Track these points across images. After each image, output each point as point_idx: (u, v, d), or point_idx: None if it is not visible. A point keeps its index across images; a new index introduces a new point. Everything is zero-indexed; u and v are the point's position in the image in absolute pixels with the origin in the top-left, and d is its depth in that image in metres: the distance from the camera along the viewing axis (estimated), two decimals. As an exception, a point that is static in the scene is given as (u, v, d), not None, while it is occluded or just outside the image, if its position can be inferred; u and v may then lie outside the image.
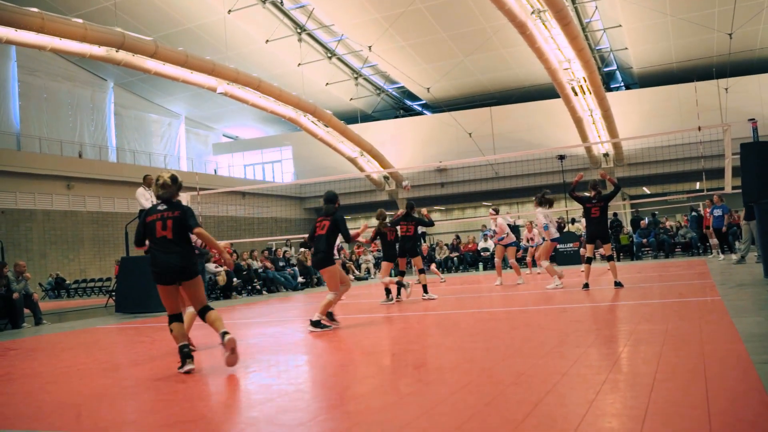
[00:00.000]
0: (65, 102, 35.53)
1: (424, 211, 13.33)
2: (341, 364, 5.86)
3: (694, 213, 24.67)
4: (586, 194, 11.46)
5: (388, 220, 12.49)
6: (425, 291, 12.03)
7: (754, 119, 12.02)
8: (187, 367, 5.69)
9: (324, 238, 8.20)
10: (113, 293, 17.31)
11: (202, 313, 5.95)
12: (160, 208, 5.97)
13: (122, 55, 23.92)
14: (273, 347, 7.48)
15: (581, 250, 21.59)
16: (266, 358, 6.62)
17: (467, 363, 5.36)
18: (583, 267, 11.79)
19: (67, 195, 30.38)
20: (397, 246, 12.19)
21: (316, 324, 8.24)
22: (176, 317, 5.93)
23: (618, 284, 10.98)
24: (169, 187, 6.07)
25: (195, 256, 6.04)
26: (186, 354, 5.75)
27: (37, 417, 4.45)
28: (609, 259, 11.33)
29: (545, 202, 13.07)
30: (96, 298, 25.20)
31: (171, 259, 5.78)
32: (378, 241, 13.66)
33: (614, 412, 3.45)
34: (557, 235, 14.01)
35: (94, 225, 31.33)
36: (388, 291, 12.07)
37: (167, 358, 6.82)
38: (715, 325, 6.11)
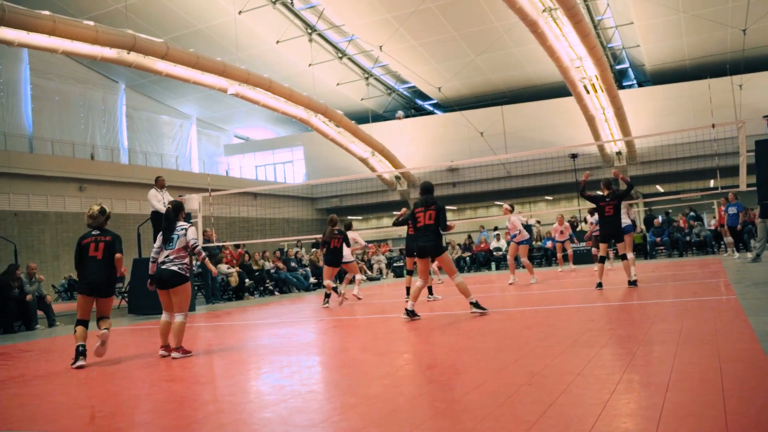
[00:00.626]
0: (77, 104, 35.71)
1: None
2: (354, 365, 5.84)
3: (692, 213, 24.36)
4: (599, 192, 11.38)
5: (338, 226, 12.99)
6: (430, 292, 12.11)
7: (768, 116, 11.92)
8: (78, 363, 6.64)
9: (433, 227, 8.39)
10: (126, 295, 17.36)
11: (99, 319, 7.12)
12: (93, 233, 7.14)
13: (133, 57, 23.99)
14: (285, 348, 7.48)
15: (593, 249, 21.46)
16: (278, 358, 6.62)
17: (480, 363, 5.33)
18: (596, 266, 11.71)
19: (80, 197, 30.50)
20: (343, 252, 12.92)
21: (476, 305, 8.47)
22: (83, 322, 7.01)
23: (632, 283, 10.91)
24: (98, 218, 7.24)
25: (115, 277, 7.17)
26: (81, 353, 6.74)
27: (51, 418, 4.46)
28: (623, 258, 11.26)
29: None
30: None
31: (97, 277, 6.92)
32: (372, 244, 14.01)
33: (629, 413, 3.42)
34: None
35: (106, 227, 31.43)
36: (327, 294, 12.55)
37: (180, 359, 6.83)
38: (731, 324, 6.06)
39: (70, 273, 29.07)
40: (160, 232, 7.26)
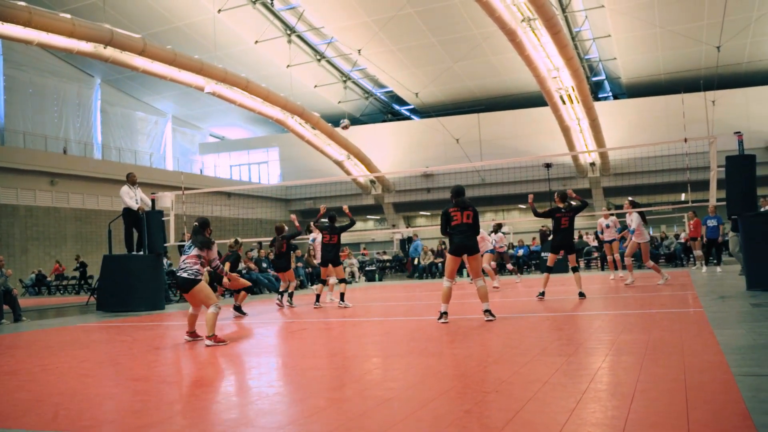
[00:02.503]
0: (51, 97, 35.27)
1: (345, 208, 13.55)
2: (322, 368, 5.82)
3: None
4: (553, 205, 11.58)
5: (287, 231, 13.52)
6: (342, 299, 12.41)
7: (739, 132, 12.10)
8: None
9: (471, 226, 8.59)
10: (95, 291, 17.16)
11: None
12: None
13: (110, 52, 23.76)
14: (253, 349, 7.44)
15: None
16: (246, 359, 6.58)
17: (448, 369, 5.34)
18: (543, 275, 11.88)
19: (51, 191, 30.12)
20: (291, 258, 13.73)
21: (489, 312, 8.51)
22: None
23: (581, 295, 11.01)
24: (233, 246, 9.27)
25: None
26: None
27: (13, 415, 4.39)
28: (575, 270, 11.41)
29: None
30: (77, 295, 24.99)
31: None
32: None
33: (594, 422, 3.44)
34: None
35: (77, 222, 31.07)
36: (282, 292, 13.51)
37: (147, 357, 6.77)
38: (697, 337, 6.13)
39: (39, 267, 28.71)
40: (188, 242, 8.09)
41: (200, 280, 7.80)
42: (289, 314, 11.78)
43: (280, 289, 13.48)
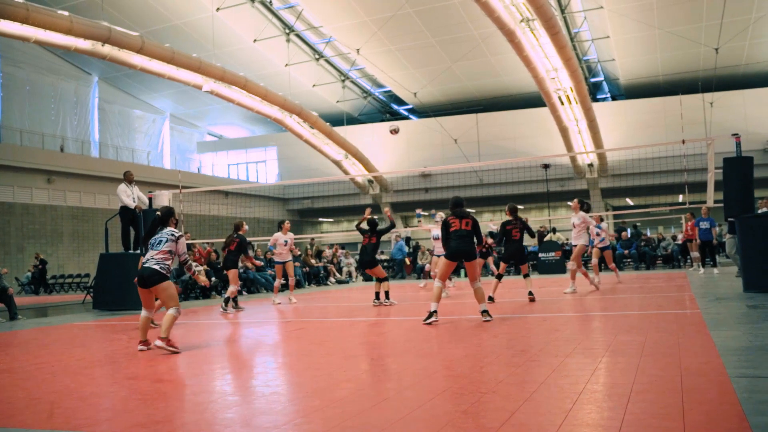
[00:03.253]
0: (48, 95, 35.17)
1: (386, 209, 13.49)
2: (319, 368, 5.81)
3: (631, 229, 24.63)
4: (506, 218, 11.89)
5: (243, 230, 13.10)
6: (387, 297, 12.35)
7: (737, 134, 12.10)
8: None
9: (469, 233, 8.77)
10: (91, 289, 17.14)
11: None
12: None
13: (108, 50, 23.71)
14: (250, 348, 7.43)
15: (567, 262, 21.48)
16: (243, 359, 6.58)
17: (445, 369, 5.34)
18: (494, 281, 12.27)
19: (47, 189, 30.04)
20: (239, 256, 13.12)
21: (486, 313, 8.64)
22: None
23: (530, 294, 11.44)
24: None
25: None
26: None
27: (8, 414, 4.38)
28: (526, 276, 11.85)
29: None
30: (74, 294, 24.96)
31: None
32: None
33: (590, 423, 3.44)
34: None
35: (74, 220, 30.99)
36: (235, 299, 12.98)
37: (143, 356, 6.75)
38: (693, 338, 6.14)
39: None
40: (157, 236, 7.35)
41: (168, 277, 7.18)
42: (287, 314, 11.77)
43: (226, 295, 12.72)
